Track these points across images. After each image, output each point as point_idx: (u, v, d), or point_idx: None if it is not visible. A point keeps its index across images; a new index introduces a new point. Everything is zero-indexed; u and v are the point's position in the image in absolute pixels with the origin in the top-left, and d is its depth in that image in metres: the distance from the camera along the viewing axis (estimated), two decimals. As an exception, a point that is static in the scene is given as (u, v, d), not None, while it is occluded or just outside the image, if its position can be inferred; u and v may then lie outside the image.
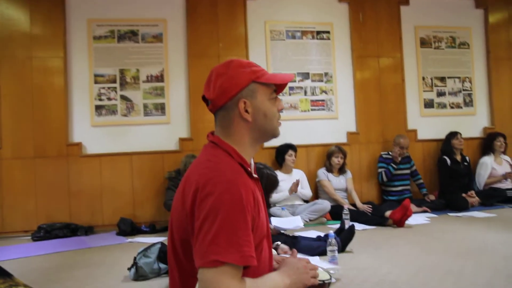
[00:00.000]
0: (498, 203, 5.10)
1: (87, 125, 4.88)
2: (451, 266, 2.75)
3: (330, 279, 1.34)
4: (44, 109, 4.74)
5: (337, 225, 3.59)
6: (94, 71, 4.92)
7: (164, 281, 2.62)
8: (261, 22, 5.30)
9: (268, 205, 2.33)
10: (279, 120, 1.29)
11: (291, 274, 1.21)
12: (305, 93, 5.35)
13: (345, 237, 3.19)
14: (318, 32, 5.48)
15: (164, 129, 5.02)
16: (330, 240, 2.65)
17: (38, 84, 4.74)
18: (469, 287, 2.34)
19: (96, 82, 4.92)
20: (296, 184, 4.50)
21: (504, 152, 5.62)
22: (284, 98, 5.26)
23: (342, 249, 3.16)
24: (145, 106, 5.01)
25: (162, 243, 2.89)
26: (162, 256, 2.73)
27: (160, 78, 5.06)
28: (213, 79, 1.21)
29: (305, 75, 5.36)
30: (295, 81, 5.33)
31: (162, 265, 2.74)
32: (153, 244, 2.89)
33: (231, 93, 1.19)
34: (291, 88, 5.31)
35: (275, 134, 1.29)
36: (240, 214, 1.06)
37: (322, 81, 5.41)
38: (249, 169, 1.21)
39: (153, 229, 4.49)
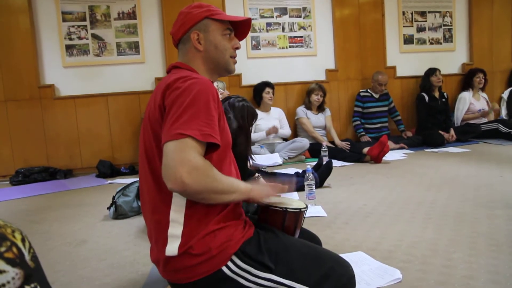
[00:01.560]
0: (473, 139, 5.22)
1: (58, 66, 4.69)
2: (424, 197, 2.85)
3: (306, 207, 1.36)
4: (11, 50, 4.51)
5: (316, 162, 3.64)
6: (61, 8, 4.65)
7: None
8: (237, -48, 5.03)
9: (250, 141, 2.37)
10: (234, 57, 1.40)
11: (254, 184, 1.28)
12: (283, 29, 5.20)
13: (322, 173, 3.25)
14: (297, -35, 5.24)
15: (139, 69, 4.88)
16: (307, 175, 2.69)
17: (1, 24, 4.47)
18: (440, 216, 2.44)
19: (64, 20, 4.67)
20: (273, 130, 4.50)
21: (483, 89, 5.68)
22: (262, 34, 5.12)
23: (320, 184, 3.23)
24: (118, 45, 4.82)
25: (140, 183, 2.88)
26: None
27: (132, 15, 4.83)
28: (178, 17, 1.36)
29: (283, 11, 5.19)
30: (272, 17, 5.16)
31: (142, 204, 2.75)
32: (132, 183, 2.89)
33: (186, 26, 1.33)
34: (268, 24, 5.15)
35: (228, 69, 1.40)
36: (206, 102, 1.15)
37: (300, 16, 5.25)
38: None
39: (132, 170, 4.49)
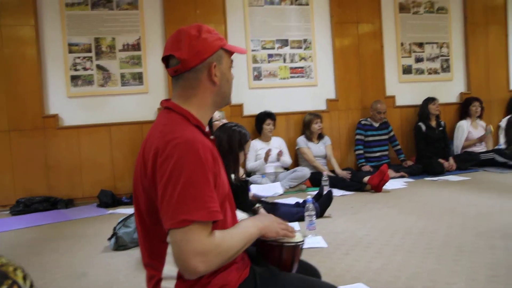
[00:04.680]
0: (473, 167, 5.24)
1: (63, 96, 4.77)
2: (425, 227, 2.85)
3: (303, 241, 1.36)
4: (17, 80, 4.61)
5: (316, 192, 3.65)
6: (68, 40, 4.77)
7: (145, 249, 2.65)
8: (239, -12, 5.19)
9: (239, 164, 2.44)
10: None
11: (263, 220, 1.26)
12: (284, 60, 5.31)
13: (323, 203, 3.26)
14: (297, -2, 5.40)
15: (143, 99, 4.96)
16: (307, 205, 2.70)
17: (9, 54, 4.58)
18: (441, 246, 2.44)
19: (70, 52, 4.78)
20: (268, 153, 4.53)
21: (480, 117, 5.74)
22: (263, 65, 5.23)
23: (320, 214, 3.23)
24: (122, 75, 4.92)
25: (142, 213, 2.90)
26: (142, 225, 2.75)
27: (137, 46, 4.95)
28: (186, 41, 1.20)
29: (284, 42, 5.31)
30: (273, 48, 5.28)
31: (143, 234, 2.76)
32: (133, 214, 2.90)
33: (204, 55, 1.20)
34: (270, 56, 5.26)
35: (229, 101, 1.34)
36: (202, 172, 1.08)
37: (301, 48, 5.37)
38: (205, 131, 1.24)
39: (134, 200, 4.50)
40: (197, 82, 1.22)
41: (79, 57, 4.80)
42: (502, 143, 5.84)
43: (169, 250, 1.13)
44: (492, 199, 3.58)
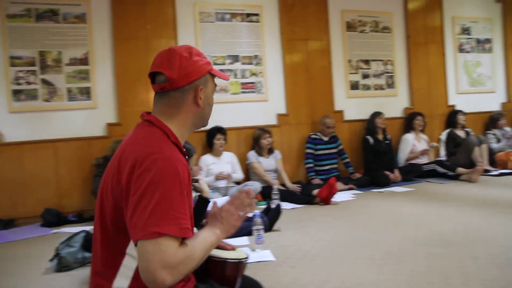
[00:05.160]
0: (416, 178, 5.49)
1: (4, 111, 4.56)
2: (369, 237, 2.95)
3: (246, 258, 1.38)
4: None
5: (266, 206, 3.69)
6: (9, 53, 4.59)
7: (89, 270, 2.56)
8: (190, 3, 5.21)
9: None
10: None
11: (218, 223, 1.26)
12: (235, 75, 5.37)
13: (272, 217, 3.30)
14: (248, 15, 5.49)
15: (91, 114, 4.83)
16: (255, 220, 2.73)
17: None
18: (383, 256, 2.53)
19: (12, 65, 4.60)
20: (223, 176, 4.58)
21: (423, 130, 6.04)
22: (216, 81, 5.24)
23: (269, 228, 3.27)
24: (69, 90, 4.78)
25: (86, 232, 2.82)
26: (87, 244, 2.67)
27: (84, 61, 4.84)
28: (177, 60, 1.24)
29: (235, 58, 5.37)
30: (224, 64, 5.33)
31: (87, 254, 2.68)
32: (78, 233, 2.81)
33: (193, 77, 1.25)
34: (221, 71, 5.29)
35: (206, 124, 1.39)
36: (178, 189, 1.10)
37: (252, 63, 5.45)
38: (183, 150, 1.26)
39: (80, 218, 4.35)
40: (182, 102, 1.26)
41: (22, 71, 4.63)
42: (442, 155, 6.17)
43: (125, 262, 1.15)
44: (432, 209, 3.76)
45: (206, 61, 1.30)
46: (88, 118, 4.81)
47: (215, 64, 5.27)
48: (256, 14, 5.52)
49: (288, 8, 5.63)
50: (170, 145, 1.19)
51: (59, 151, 4.66)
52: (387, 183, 5.16)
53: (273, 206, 3.48)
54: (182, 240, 1.11)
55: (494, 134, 6.51)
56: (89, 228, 3.50)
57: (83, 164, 4.69)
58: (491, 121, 6.68)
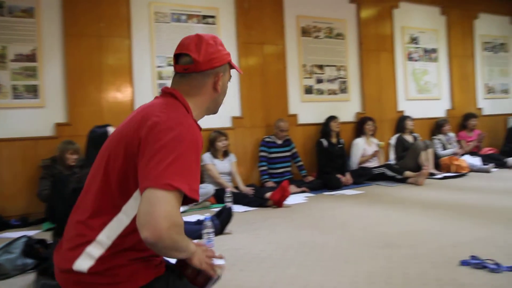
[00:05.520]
0: (367, 181, 5.67)
1: None
2: (318, 240, 3.02)
3: (219, 276, 1.38)
4: None
5: (219, 209, 3.68)
6: None
7: (30, 277, 2.46)
8: (145, 3, 5.13)
9: None
10: None
11: (198, 248, 1.29)
12: (190, 77, 5.33)
13: (223, 220, 3.30)
14: (204, 17, 5.47)
15: (38, 114, 4.64)
16: (205, 223, 2.72)
17: None
18: (330, 258, 2.60)
19: (-49, 60, 4.35)
20: None
21: (373, 135, 6.24)
22: (170, 82, 5.17)
23: (220, 231, 3.27)
24: (15, 88, 4.56)
25: (28, 237, 2.70)
26: (28, 250, 2.56)
27: (32, 57, 4.64)
28: (204, 45, 1.32)
29: (190, 60, 5.33)
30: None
31: (29, 260, 2.56)
32: (19, 238, 2.69)
33: (217, 63, 1.34)
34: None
35: (217, 111, 1.46)
36: (195, 155, 1.16)
37: (207, 66, 5.43)
38: (200, 127, 1.31)
39: (24, 223, 4.16)
40: (203, 84, 1.34)
41: (-38, 67, 4.39)
42: (392, 159, 6.40)
43: (117, 218, 1.18)
44: (379, 211, 3.90)
45: (227, 52, 1.40)
46: (35, 117, 4.61)
47: (170, 65, 5.22)
48: (213, 16, 5.51)
49: (244, 11, 5.66)
50: (191, 118, 1.26)
51: (2, 151, 4.44)
52: (338, 186, 5.29)
53: (226, 209, 3.48)
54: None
55: (439, 139, 6.83)
56: (32, 233, 3.37)
57: (29, 166, 4.49)
58: (437, 127, 7.01)
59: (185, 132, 1.15)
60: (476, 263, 2.27)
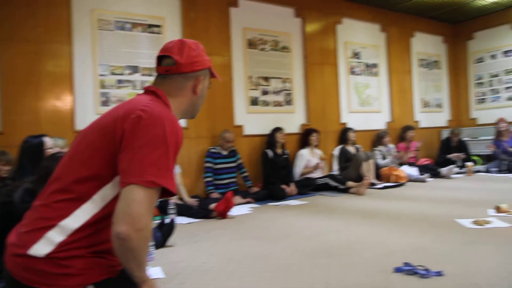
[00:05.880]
0: (311, 191, 5.79)
1: None
2: (261, 251, 3.03)
3: None
4: None
5: (160, 221, 3.61)
6: None
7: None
8: (87, 9, 4.97)
9: None
10: None
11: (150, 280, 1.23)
12: (134, 87, 5.22)
13: (165, 232, 3.24)
14: (150, 26, 5.40)
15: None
16: (145, 236, 2.65)
17: None
18: (273, 269, 2.61)
19: None
20: None
21: (317, 146, 6.40)
22: (112, 91, 5.06)
23: (162, 244, 3.20)
24: None
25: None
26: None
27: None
28: (186, 49, 1.38)
29: (134, 69, 5.22)
30: (123, 74, 5.16)
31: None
32: None
33: (198, 67, 1.40)
34: (119, 81, 5.13)
35: (195, 116, 1.51)
36: (175, 152, 1.20)
37: (152, 75, 5.35)
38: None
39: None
40: (183, 86, 1.39)
41: None
42: (335, 169, 6.59)
43: (85, 207, 1.17)
44: (322, 221, 3.99)
45: (209, 59, 1.47)
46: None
47: (113, 74, 5.09)
48: (158, 26, 5.45)
49: (190, 21, 5.65)
50: (174, 115, 1.29)
51: None
52: (283, 196, 5.36)
53: (167, 221, 3.42)
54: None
55: (380, 151, 7.12)
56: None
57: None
58: (378, 138, 7.32)
59: (169, 129, 1.18)
60: (408, 270, 2.37)
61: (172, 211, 4.02)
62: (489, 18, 8.46)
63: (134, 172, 1.11)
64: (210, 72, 1.49)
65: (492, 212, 3.92)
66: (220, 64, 5.85)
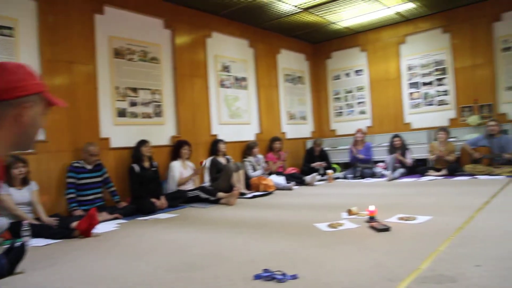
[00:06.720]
0: (182, 204, 5.76)
1: None
2: (122, 269, 2.91)
3: None
4: None
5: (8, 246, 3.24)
6: None
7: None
8: None
9: None
10: None
11: None
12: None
13: (12, 258, 2.91)
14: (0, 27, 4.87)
15: None
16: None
17: None
18: (134, 286, 2.53)
19: None
20: None
21: (189, 158, 6.41)
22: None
23: (10, 271, 2.87)
24: None
25: None
26: None
27: None
28: (4, 73, 1.21)
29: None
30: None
31: None
32: None
33: (18, 93, 1.22)
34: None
35: (30, 147, 1.34)
36: None
37: (1, 83, 4.82)
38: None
39: None
40: (4, 116, 1.22)
41: None
42: (207, 181, 6.66)
43: None
44: (190, 233, 3.98)
45: (38, 83, 1.29)
46: None
47: None
48: (10, 28, 4.94)
49: (49, 26, 5.24)
50: None
51: None
52: (153, 210, 5.25)
53: (18, 244, 3.08)
54: None
55: (249, 161, 7.41)
56: None
57: None
58: (247, 149, 7.61)
59: None
60: (267, 276, 2.50)
61: (25, 233, 3.67)
62: (343, 41, 9.47)
63: None
64: (42, 98, 1.32)
65: (345, 215, 4.35)
66: (84, 73, 5.53)
